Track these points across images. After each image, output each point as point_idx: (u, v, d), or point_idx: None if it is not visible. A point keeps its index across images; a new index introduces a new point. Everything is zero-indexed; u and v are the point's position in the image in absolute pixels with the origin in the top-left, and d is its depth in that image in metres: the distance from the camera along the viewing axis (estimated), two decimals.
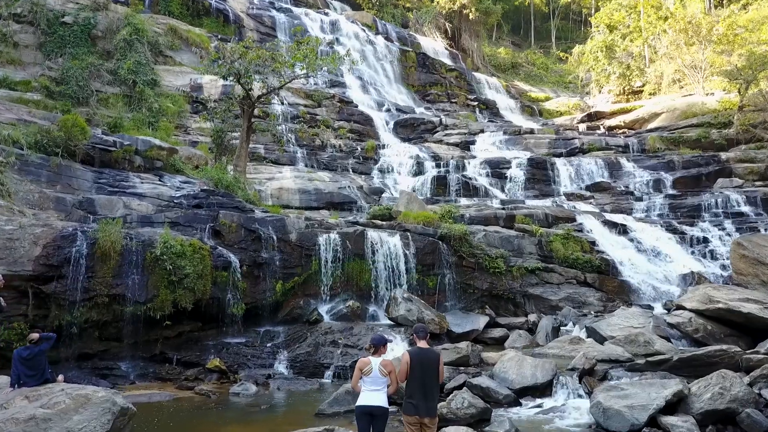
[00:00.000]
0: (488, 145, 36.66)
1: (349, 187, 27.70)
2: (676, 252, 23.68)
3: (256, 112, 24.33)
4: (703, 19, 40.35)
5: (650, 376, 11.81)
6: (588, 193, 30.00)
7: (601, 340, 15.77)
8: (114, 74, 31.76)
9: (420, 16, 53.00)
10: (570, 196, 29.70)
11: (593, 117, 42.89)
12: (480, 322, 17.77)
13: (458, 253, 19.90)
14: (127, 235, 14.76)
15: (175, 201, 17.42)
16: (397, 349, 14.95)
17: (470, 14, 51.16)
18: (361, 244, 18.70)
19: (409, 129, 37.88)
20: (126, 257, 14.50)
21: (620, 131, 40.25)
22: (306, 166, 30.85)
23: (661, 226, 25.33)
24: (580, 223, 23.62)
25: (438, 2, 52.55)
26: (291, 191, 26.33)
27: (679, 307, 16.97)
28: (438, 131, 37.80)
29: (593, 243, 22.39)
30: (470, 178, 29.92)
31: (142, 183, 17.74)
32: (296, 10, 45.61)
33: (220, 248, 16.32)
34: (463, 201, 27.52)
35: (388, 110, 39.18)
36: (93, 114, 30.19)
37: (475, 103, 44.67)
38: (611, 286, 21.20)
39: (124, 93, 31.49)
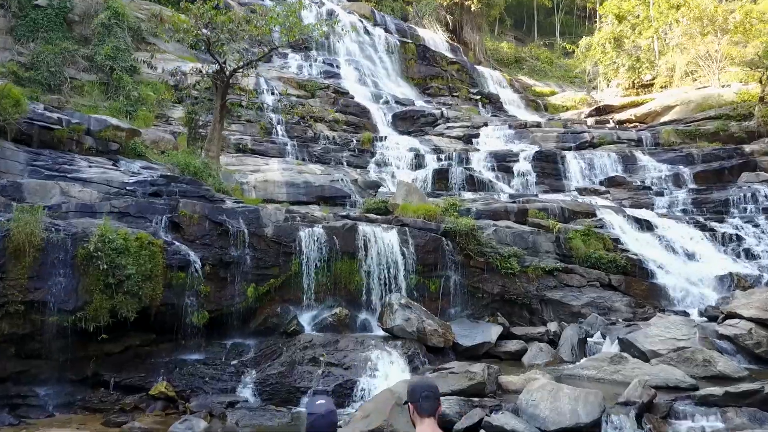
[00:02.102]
0: (492, 138, 33.39)
1: (342, 180, 24.36)
2: (708, 251, 20.37)
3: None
4: (719, 6, 36.98)
5: (735, 415, 8.44)
6: (602, 188, 26.69)
7: (643, 356, 12.43)
8: (90, 61, 28.55)
9: (420, 9, 49.69)
10: (583, 192, 26.38)
11: (602, 111, 39.58)
12: (492, 332, 14.34)
13: (465, 251, 16.53)
14: (50, 226, 11.35)
15: (127, 188, 14.03)
16: (393, 372, 11.66)
17: (472, 6, 47.84)
18: (352, 241, 15.34)
19: (409, 122, 34.56)
20: (49, 254, 11.12)
21: (631, 125, 36.96)
22: (296, 158, 27.57)
23: (688, 222, 22.02)
24: (601, 219, 20.29)
25: None
26: (277, 184, 23.00)
27: (732, 315, 13.70)
28: (439, 124, 34.49)
29: (617, 240, 19.03)
30: (474, 172, 26.59)
31: (90, 167, 14.34)
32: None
33: (177, 244, 12.97)
34: (468, 195, 24.17)
35: (387, 102, 35.88)
36: (65, 102, 27.04)
37: (478, 97, 41.34)
38: (639, 290, 17.82)
39: (101, 80, 28.28)
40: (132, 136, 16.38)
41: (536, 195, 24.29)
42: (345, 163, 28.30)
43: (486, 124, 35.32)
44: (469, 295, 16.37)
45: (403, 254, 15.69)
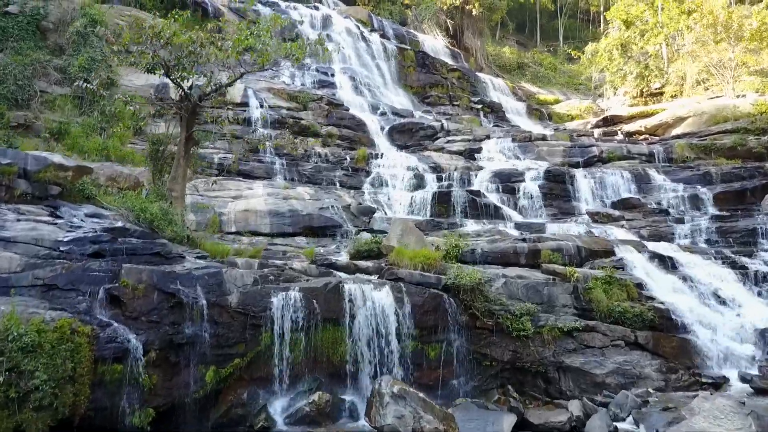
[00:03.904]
0: (495, 153, 30.54)
1: (332, 207, 21.51)
2: (742, 294, 17.54)
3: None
4: (733, 12, 34.02)
5: None
6: (616, 213, 23.89)
7: None
8: (64, 72, 25.77)
9: (419, 13, 46.65)
10: (595, 216, 23.61)
11: (609, 121, 36.70)
12: (504, 425, 11.36)
13: (470, 310, 13.69)
14: None
15: (61, 248, 11.14)
16: None
17: (473, 10, 44.82)
18: (336, 303, 12.46)
19: (407, 135, 31.68)
20: None
21: (641, 137, 34.10)
22: (286, 179, 24.81)
23: (714, 257, 19.16)
24: (620, 258, 17.45)
25: None
26: (260, 214, 20.17)
27: None
28: (439, 137, 31.61)
29: (640, 285, 16.20)
30: (477, 195, 23.73)
31: (18, 221, 11.44)
32: (284, 4, 39.35)
33: (114, 325, 10.11)
34: (471, 224, 21.33)
35: (384, 114, 32.98)
36: (34, 118, 24.27)
37: (479, 106, 38.44)
38: (669, 347, 14.98)
39: (75, 94, 25.43)
40: (80, 175, 13.51)
41: (543, 225, 21.39)
42: (338, 183, 25.52)
43: (488, 137, 32.48)
44: (474, 362, 13.54)
45: (397, 316, 12.86)
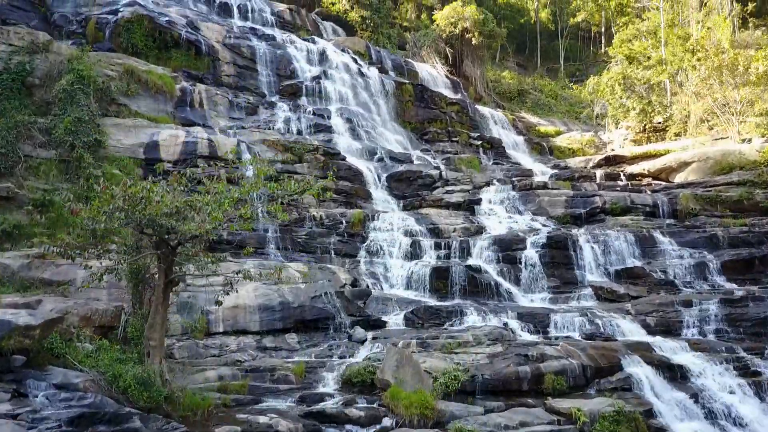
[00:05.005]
0: (496, 204, 29.47)
1: (325, 294, 20.23)
2: (756, 414, 16.27)
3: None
4: (739, 54, 32.55)
5: None
6: (621, 289, 22.62)
7: None
8: (49, 134, 24.39)
9: (418, 39, 45.09)
10: (599, 291, 22.49)
11: (612, 161, 35.43)
12: None
13: None
14: None
15: None
16: None
17: (473, 39, 43.27)
18: None
19: (405, 183, 30.46)
20: None
21: (644, 180, 32.91)
22: (279, 248, 23.60)
23: (726, 360, 17.84)
24: (628, 376, 16.21)
25: (438, 25, 44.72)
26: (249, 309, 18.93)
27: None
28: (437, 186, 30.39)
29: (649, 413, 14.98)
30: (477, 271, 22.52)
31: None
32: (280, 37, 37.85)
33: None
34: (471, 314, 20.01)
35: (381, 159, 31.69)
36: (19, 187, 23.02)
37: (479, 142, 37.14)
38: None
39: (61, 157, 24.23)
40: (50, 329, 12.23)
41: (549, 313, 20.10)
42: (332, 252, 24.35)
43: (488, 184, 31.36)
44: None
45: None
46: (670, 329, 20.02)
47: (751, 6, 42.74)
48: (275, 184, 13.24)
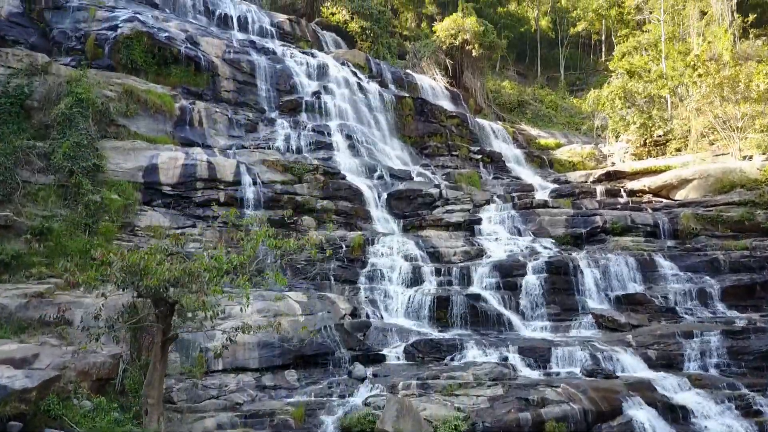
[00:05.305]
0: (496, 223, 29.26)
1: (326, 328, 19.99)
2: None
3: None
4: (740, 71, 32.26)
5: None
6: (622, 318, 22.35)
7: None
8: (48, 159, 24.14)
9: (418, 50, 44.76)
10: (600, 320, 22.29)
11: (612, 176, 35.17)
12: None
13: None
14: None
15: None
16: None
17: (473, 51, 42.94)
18: None
19: (405, 202, 30.22)
20: None
21: (645, 197, 32.65)
22: (278, 272, 23.25)
23: (728, 398, 17.62)
24: (629, 420, 16.00)
25: (438, 36, 44.37)
26: (248, 346, 18.68)
27: None
28: (438, 205, 30.17)
29: None
30: (477, 300, 22.33)
31: None
32: (280, 51, 37.55)
33: None
34: (471, 348, 19.70)
35: (381, 177, 31.42)
36: (17, 214, 22.79)
37: (479, 156, 36.91)
38: None
39: (59, 183, 23.97)
40: (47, 390, 12.01)
41: (550, 347, 19.81)
42: (332, 279, 24.17)
43: (488, 202, 31.19)
44: None
45: None
46: (671, 362, 19.78)
47: (751, 17, 42.35)
48: (275, 241, 13.00)
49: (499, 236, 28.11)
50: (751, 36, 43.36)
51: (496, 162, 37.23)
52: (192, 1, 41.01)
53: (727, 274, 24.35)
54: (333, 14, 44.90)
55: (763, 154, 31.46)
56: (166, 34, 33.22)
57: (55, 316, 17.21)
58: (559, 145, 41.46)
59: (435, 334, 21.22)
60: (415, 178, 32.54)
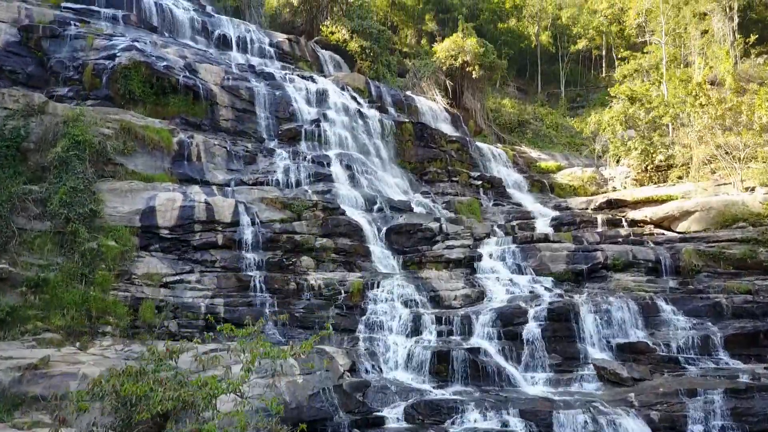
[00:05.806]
0: (496, 259, 28.81)
1: (324, 390, 19.49)
2: None
3: None
4: (742, 102, 31.71)
5: None
6: (624, 372, 21.82)
7: None
8: (44, 204, 23.65)
9: (418, 69, 44.11)
10: (602, 372, 21.80)
11: (613, 204, 34.70)
12: None
13: None
14: None
15: None
16: None
17: (473, 72, 42.32)
18: None
19: (405, 237, 29.70)
20: None
21: (646, 228, 32.19)
22: (276, 324, 22.97)
23: None
24: None
25: (438, 57, 43.72)
26: (247, 413, 18.12)
27: None
28: (437, 240, 29.67)
29: None
30: (477, 353, 21.87)
31: None
32: (279, 75, 36.94)
33: None
34: (471, 410, 19.29)
35: (381, 210, 30.89)
36: (12, 264, 22.36)
37: (479, 183, 36.43)
38: None
39: (56, 229, 23.48)
40: None
41: (551, 410, 19.36)
42: (332, 327, 23.58)
43: (489, 235, 30.75)
44: None
45: None
46: (674, 425, 19.37)
47: (753, 38, 41.71)
48: (272, 353, 12.44)
49: (499, 274, 27.70)
50: (752, 55, 42.80)
51: (496, 188, 36.78)
52: (190, 22, 40.33)
53: (729, 320, 23.94)
54: (332, 33, 44.24)
55: (765, 185, 30.96)
56: (165, 63, 32.57)
57: (49, 393, 16.75)
58: (559, 168, 40.93)
59: (435, 392, 20.76)
60: (415, 209, 32.03)
